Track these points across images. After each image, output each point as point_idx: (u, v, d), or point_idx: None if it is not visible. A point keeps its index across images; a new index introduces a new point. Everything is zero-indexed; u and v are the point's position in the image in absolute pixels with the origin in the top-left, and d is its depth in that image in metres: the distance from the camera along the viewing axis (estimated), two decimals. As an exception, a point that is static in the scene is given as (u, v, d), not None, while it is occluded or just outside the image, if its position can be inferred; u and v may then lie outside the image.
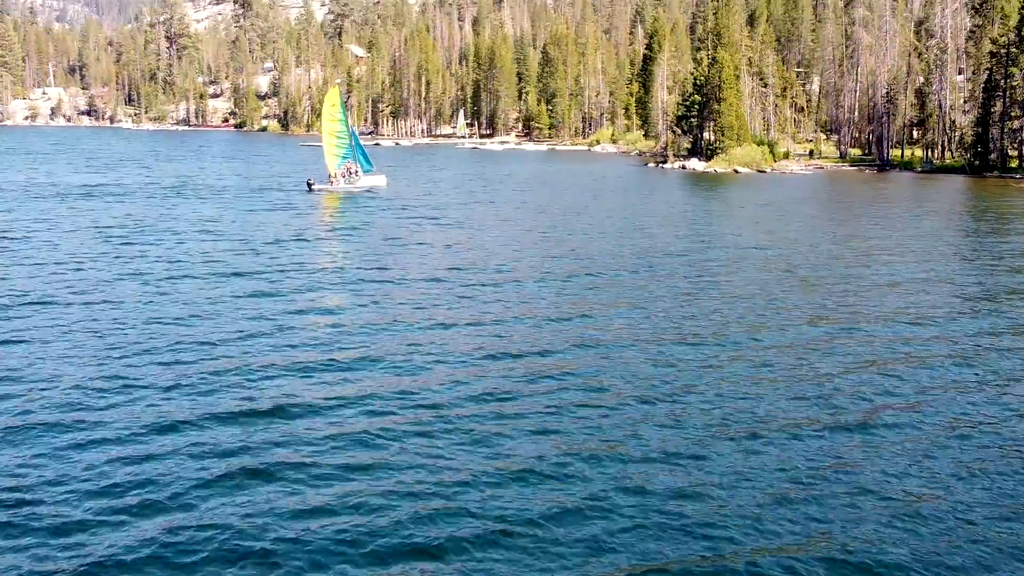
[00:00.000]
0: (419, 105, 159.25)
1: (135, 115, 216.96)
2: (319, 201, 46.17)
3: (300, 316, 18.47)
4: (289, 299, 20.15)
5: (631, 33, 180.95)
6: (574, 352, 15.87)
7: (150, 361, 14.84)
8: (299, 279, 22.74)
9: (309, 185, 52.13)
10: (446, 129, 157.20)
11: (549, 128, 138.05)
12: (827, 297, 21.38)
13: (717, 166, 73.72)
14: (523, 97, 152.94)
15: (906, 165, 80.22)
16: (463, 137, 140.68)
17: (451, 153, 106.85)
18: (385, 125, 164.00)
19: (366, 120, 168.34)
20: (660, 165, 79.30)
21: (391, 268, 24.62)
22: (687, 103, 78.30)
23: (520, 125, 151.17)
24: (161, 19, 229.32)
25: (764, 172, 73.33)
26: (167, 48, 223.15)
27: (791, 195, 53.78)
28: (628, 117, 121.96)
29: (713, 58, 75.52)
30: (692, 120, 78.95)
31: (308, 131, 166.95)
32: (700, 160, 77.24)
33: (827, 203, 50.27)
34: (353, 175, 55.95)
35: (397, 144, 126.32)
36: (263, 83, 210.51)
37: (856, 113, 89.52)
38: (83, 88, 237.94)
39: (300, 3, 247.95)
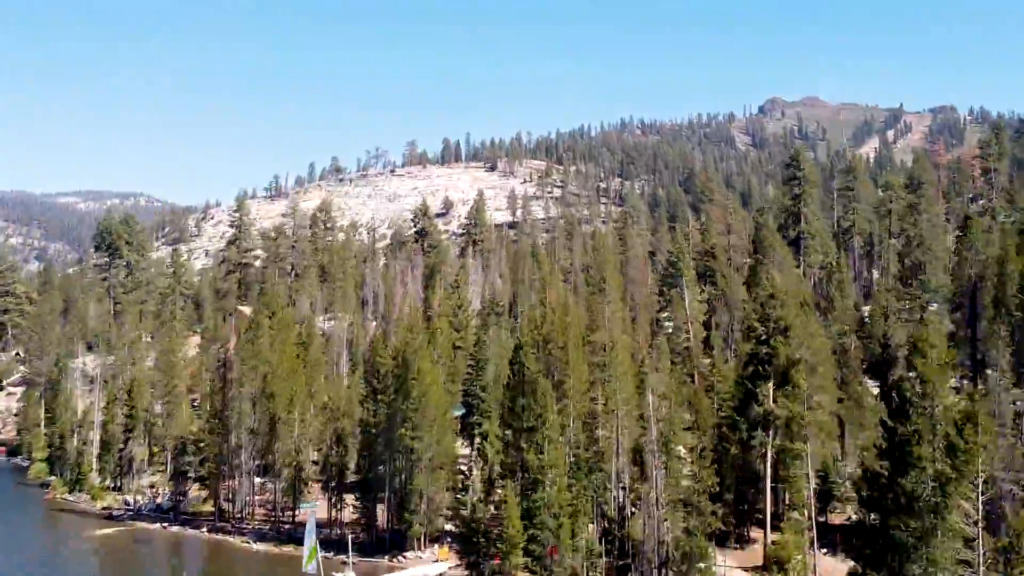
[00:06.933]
0: (258, 462, 76.88)
1: None
2: None
3: None
4: None
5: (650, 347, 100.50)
6: None
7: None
8: None
9: None
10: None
11: (533, 558, 55.35)
12: None
13: None
14: (469, 478, 69.99)
15: None
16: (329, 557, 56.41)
17: None
18: (204, 500, 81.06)
19: (171, 483, 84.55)
20: None
21: None
22: None
23: (462, 529, 66.33)
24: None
25: None
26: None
27: None
28: None
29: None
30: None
31: (71, 492, 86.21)
32: None
33: None
34: None
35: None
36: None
37: None
38: None
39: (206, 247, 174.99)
